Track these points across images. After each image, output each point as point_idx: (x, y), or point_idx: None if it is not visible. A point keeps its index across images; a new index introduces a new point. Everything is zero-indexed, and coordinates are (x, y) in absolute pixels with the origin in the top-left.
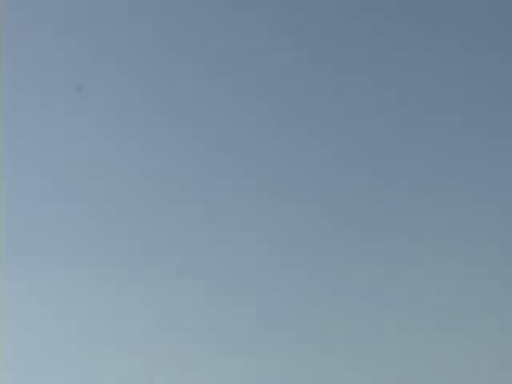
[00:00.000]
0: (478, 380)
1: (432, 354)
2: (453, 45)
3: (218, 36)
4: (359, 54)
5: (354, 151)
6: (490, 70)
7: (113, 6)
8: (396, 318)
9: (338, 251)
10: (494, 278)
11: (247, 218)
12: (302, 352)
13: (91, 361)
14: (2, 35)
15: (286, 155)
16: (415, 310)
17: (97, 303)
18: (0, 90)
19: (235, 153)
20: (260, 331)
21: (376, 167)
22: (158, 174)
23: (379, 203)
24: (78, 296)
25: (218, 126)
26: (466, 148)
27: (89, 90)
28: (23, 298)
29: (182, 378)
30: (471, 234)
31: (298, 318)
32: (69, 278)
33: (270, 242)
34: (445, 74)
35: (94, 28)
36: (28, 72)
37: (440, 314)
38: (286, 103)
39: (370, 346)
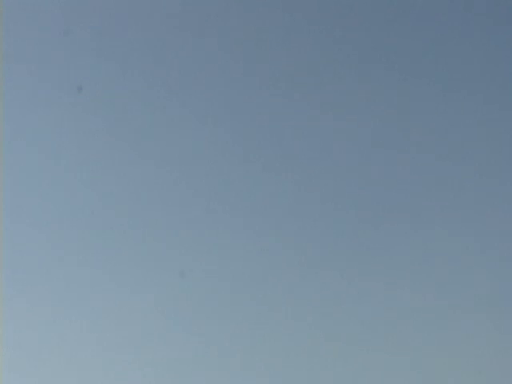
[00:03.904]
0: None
1: (433, 356)
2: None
3: (219, 36)
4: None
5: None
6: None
7: (113, 5)
8: (397, 320)
9: (341, 253)
10: (495, 284)
11: (249, 218)
12: (303, 353)
13: (91, 361)
14: (2, 35)
15: (288, 162)
16: (416, 312)
17: (97, 303)
18: (0, 90)
19: (237, 153)
20: (262, 331)
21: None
22: (159, 173)
23: (380, 206)
24: (77, 296)
25: (220, 125)
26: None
27: (89, 90)
28: (23, 297)
29: (183, 378)
30: (472, 237)
31: (299, 320)
32: (69, 277)
33: (272, 242)
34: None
35: (94, 28)
36: (28, 72)
37: (442, 319)
38: (288, 101)
39: (371, 350)
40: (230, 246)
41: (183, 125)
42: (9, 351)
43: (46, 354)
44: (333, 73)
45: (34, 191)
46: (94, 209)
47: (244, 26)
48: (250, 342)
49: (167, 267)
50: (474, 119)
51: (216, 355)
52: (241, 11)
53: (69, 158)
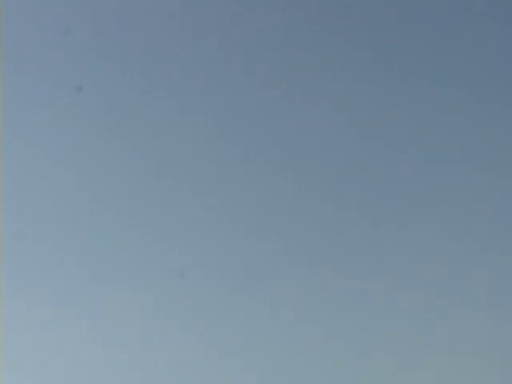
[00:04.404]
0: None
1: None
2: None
3: (219, 36)
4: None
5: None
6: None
7: (113, 5)
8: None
9: (341, 253)
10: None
11: (249, 218)
12: (303, 353)
13: (91, 361)
14: (2, 35)
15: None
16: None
17: (97, 303)
18: (0, 90)
19: (237, 153)
20: (262, 331)
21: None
22: (159, 173)
23: (380, 208)
24: (77, 296)
25: (220, 125)
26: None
27: (89, 90)
28: (23, 297)
29: (183, 378)
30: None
31: (299, 320)
32: (69, 277)
33: (272, 242)
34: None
35: (94, 28)
36: (28, 72)
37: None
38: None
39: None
40: (231, 245)
41: (183, 125)
42: (9, 351)
43: (46, 354)
44: (333, 73)
45: (34, 191)
46: (94, 209)
47: (244, 26)
48: (250, 341)
49: (167, 267)
50: (474, 119)
51: (216, 355)
52: (241, 11)
53: (69, 158)
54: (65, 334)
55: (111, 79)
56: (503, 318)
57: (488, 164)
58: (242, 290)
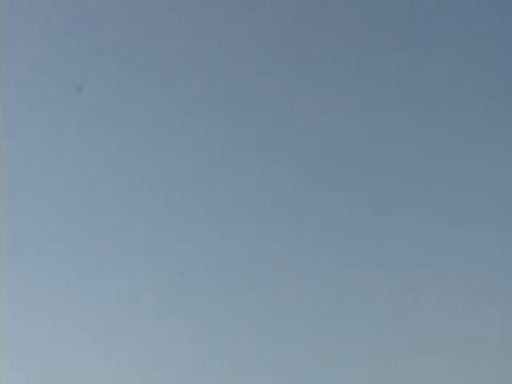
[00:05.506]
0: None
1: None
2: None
3: (219, 36)
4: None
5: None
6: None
7: (113, 6)
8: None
9: (342, 254)
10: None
11: (249, 218)
12: (303, 352)
13: (91, 361)
14: (2, 35)
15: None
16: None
17: (97, 303)
18: (0, 90)
19: (237, 153)
20: (262, 331)
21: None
22: (159, 173)
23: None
24: (77, 296)
25: (220, 125)
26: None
27: (89, 90)
28: (23, 297)
29: (183, 377)
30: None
31: (299, 319)
32: (69, 277)
33: (272, 242)
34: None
35: (94, 28)
36: (28, 72)
37: (441, 316)
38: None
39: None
40: (231, 245)
41: (183, 124)
42: (9, 351)
43: (46, 354)
44: (333, 72)
45: (33, 191)
46: (94, 209)
47: (244, 26)
48: (250, 341)
49: (167, 267)
50: (474, 115)
51: (216, 355)
52: (241, 11)
53: (69, 158)
54: (65, 334)
55: (111, 79)
56: (503, 317)
57: (488, 164)
58: (242, 289)
